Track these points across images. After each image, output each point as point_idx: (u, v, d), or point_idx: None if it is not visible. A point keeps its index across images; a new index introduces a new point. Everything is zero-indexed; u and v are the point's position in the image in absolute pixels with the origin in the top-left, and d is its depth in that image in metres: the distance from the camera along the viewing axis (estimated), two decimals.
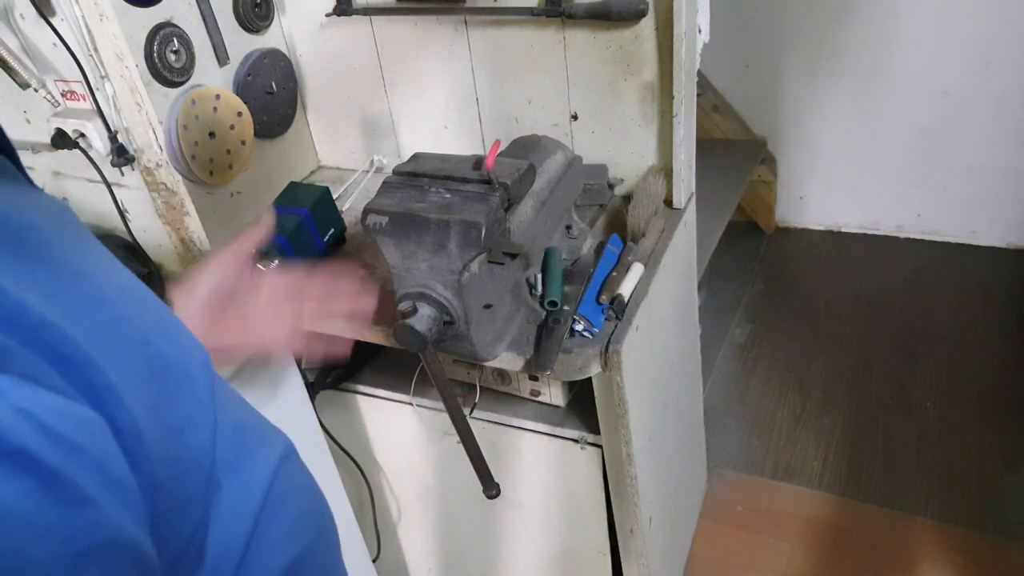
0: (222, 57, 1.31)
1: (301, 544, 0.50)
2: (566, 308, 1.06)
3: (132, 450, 0.35)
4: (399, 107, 1.46)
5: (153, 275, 1.42)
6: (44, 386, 0.31)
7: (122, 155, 1.27)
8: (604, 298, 1.09)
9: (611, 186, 1.30)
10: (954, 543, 1.66)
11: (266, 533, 0.47)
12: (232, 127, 1.31)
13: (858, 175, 2.51)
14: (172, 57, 1.22)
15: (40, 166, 1.39)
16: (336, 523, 0.58)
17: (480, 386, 1.24)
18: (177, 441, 0.40)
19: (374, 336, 1.16)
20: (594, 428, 1.16)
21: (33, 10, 1.15)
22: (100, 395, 0.34)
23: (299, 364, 1.25)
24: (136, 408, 0.36)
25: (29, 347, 0.31)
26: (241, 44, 1.35)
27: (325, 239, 1.28)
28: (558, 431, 1.21)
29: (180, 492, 0.40)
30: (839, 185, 2.55)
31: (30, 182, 0.47)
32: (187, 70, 1.25)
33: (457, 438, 1.03)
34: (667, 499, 1.42)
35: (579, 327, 1.05)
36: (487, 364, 1.07)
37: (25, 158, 1.39)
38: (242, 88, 1.35)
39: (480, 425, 1.25)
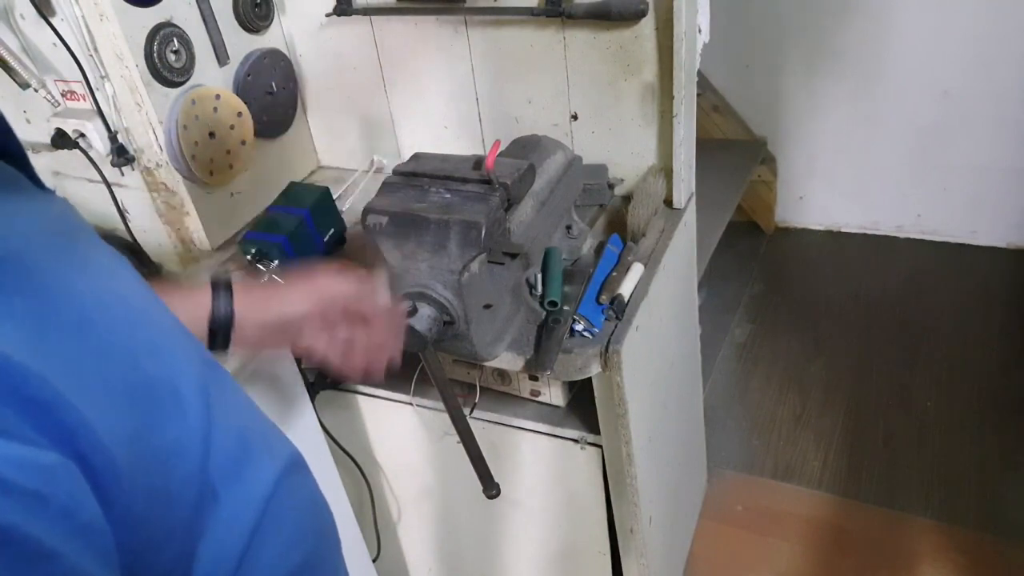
0: (222, 57, 1.31)
1: (300, 556, 0.49)
2: (566, 308, 1.06)
3: (106, 487, 0.34)
4: (399, 107, 1.46)
5: (152, 275, 1.42)
6: (6, 435, 0.31)
7: (122, 155, 1.27)
8: (604, 298, 1.09)
9: (611, 186, 1.30)
10: (954, 543, 1.66)
11: (263, 546, 0.46)
12: (232, 127, 1.31)
13: (858, 175, 2.51)
14: (172, 57, 1.22)
15: (40, 166, 1.39)
16: (338, 530, 0.58)
17: (480, 386, 1.24)
18: (161, 470, 0.40)
19: None
20: (594, 428, 1.16)
21: (33, 10, 1.15)
22: (72, 435, 0.34)
23: (299, 364, 1.26)
24: (113, 443, 0.35)
25: None
26: (241, 44, 1.35)
27: (325, 239, 1.28)
28: (558, 431, 1.21)
29: (160, 524, 0.39)
30: (839, 185, 2.55)
31: (38, 184, 0.46)
32: (187, 70, 1.25)
33: (457, 438, 1.03)
34: (667, 499, 1.42)
35: (579, 327, 1.05)
36: (487, 364, 1.07)
37: None
38: (242, 88, 1.35)
39: (480, 425, 1.25)
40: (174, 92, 1.24)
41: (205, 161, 1.28)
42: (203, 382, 0.46)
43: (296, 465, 0.52)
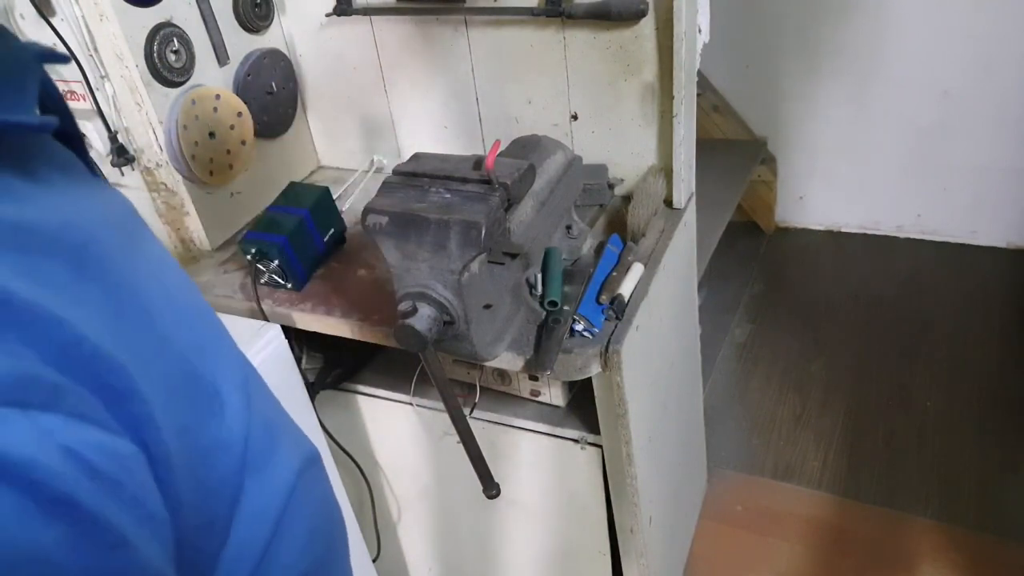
0: (222, 57, 1.31)
1: (314, 555, 0.50)
2: (566, 308, 1.06)
3: (163, 478, 0.35)
4: (399, 107, 1.46)
5: None
6: (90, 421, 0.31)
7: (122, 155, 1.27)
8: (604, 298, 1.09)
9: (611, 186, 1.30)
10: (954, 543, 1.66)
11: (284, 539, 0.46)
12: (232, 127, 1.31)
13: (858, 175, 2.51)
14: (172, 57, 1.22)
15: None
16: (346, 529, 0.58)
17: (480, 386, 1.24)
18: (204, 463, 0.40)
19: (374, 336, 1.16)
20: (594, 428, 1.16)
21: (33, 10, 1.15)
22: (140, 425, 0.34)
23: (299, 364, 1.26)
24: (169, 434, 0.36)
25: (80, 381, 0.31)
26: (241, 44, 1.35)
27: (325, 239, 1.28)
28: (558, 431, 1.21)
29: (204, 514, 0.40)
30: (839, 185, 2.55)
31: (95, 174, 0.47)
32: (187, 70, 1.25)
33: (457, 438, 1.03)
34: (667, 499, 1.42)
35: (579, 327, 1.05)
36: (487, 364, 1.07)
37: None
38: (242, 88, 1.35)
39: (480, 425, 1.25)
40: (174, 92, 1.24)
41: (205, 161, 1.28)
42: (244, 379, 0.46)
43: (315, 460, 0.53)
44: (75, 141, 0.46)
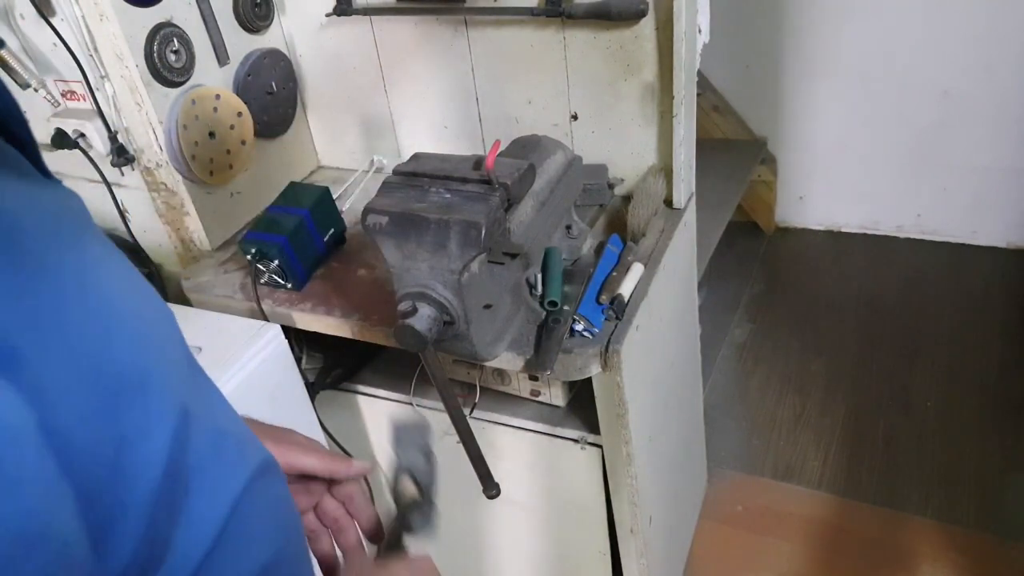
0: (222, 57, 1.31)
1: (267, 556, 0.50)
2: (566, 308, 1.06)
3: (60, 452, 0.34)
4: (399, 107, 1.46)
5: (153, 275, 1.43)
6: None
7: (122, 155, 1.27)
8: (604, 298, 1.09)
9: (611, 186, 1.30)
10: (954, 543, 1.66)
11: (227, 545, 0.46)
12: (232, 127, 1.31)
13: (858, 175, 2.50)
14: (172, 57, 1.22)
15: None
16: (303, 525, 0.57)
17: (480, 386, 1.24)
18: (117, 449, 0.39)
19: (374, 336, 1.16)
20: (594, 428, 1.16)
21: (33, 10, 1.15)
22: (33, 397, 0.33)
23: (299, 364, 1.26)
24: (68, 413, 0.35)
25: None
26: (241, 44, 1.35)
27: (325, 239, 1.28)
28: (558, 431, 1.21)
29: (112, 501, 0.38)
30: (839, 185, 2.55)
31: (45, 174, 0.46)
32: (187, 70, 1.25)
33: (457, 438, 1.03)
34: (667, 499, 1.42)
35: (579, 327, 1.05)
36: (487, 364, 1.07)
37: None
38: (242, 88, 1.35)
39: (480, 425, 1.25)
40: (174, 92, 1.24)
41: (205, 161, 1.28)
42: (180, 401, 0.45)
43: (267, 468, 0.52)
44: (25, 142, 0.45)
